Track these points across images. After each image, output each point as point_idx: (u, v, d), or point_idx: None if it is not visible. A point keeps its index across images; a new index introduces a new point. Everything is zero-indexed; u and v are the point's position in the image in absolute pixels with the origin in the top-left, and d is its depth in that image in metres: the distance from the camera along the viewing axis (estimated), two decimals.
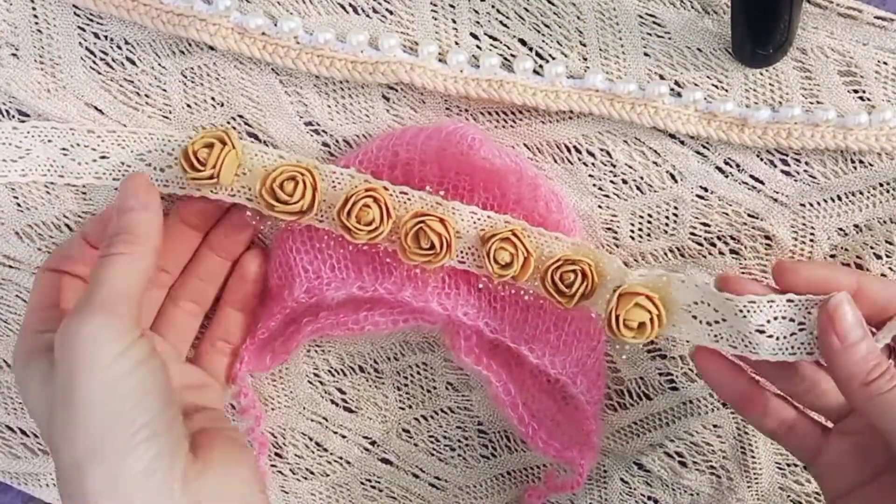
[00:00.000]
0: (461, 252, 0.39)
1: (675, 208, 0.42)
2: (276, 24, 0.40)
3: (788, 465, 0.46)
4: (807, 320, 0.36)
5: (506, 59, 0.41)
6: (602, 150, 0.41)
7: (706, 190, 0.42)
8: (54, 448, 0.34)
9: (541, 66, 0.40)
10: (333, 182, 0.39)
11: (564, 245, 0.39)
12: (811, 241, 0.42)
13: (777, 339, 0.36)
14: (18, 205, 0.44)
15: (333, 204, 0.38)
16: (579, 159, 0.42)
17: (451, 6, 0.41)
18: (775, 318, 0.35)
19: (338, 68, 0.40)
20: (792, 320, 0.35)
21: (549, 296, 0.38)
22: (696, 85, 0.40)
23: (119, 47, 0.42)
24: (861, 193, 0.41)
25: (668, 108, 0.40)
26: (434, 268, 0.39)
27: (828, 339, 0.35)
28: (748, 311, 0.35)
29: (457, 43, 0.41)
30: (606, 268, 0.38)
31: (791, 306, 0.35)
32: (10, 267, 0.45)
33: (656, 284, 0.38)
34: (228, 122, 0.42)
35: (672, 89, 0.40)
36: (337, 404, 0.47)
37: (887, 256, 0.42)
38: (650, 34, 0.40)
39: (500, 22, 0.41)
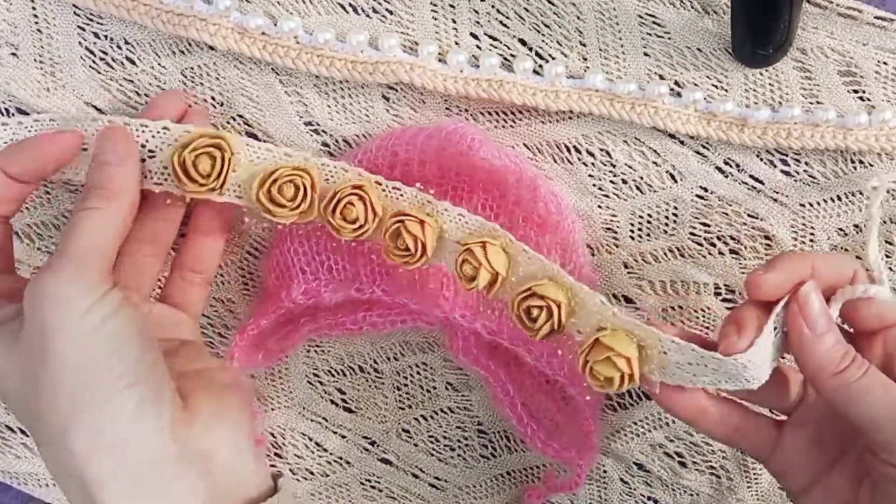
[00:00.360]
0: (447, 254, 0.38)
1: (675, 208, 0.42)
2: (276, 24, 0.40)
3: None
4: (777, 324, 0.35)
5: (506, 59, 0.41)
6: (602, 150, 0.41)
7: (706, 190, 0.42)
8: (33, 413, 0.33)
9: (541, 66, 0.40)
10: (326, 175, 0.38)
11: (545, 271, 0.37)
12: (811, 241, 0.42)
13: (769, 361, 0.36)
14: None
15: (323, 197, 0.38)
16: (579, 159, 0.42)
17: (451, 6, 0.41)
18: (765, 346, 0.35)
19: (338, 68, 0.40)
20: (770, 333, 0.35)
21: (517, 322, 0.37)
22: (695, 85, 0.40)
23: (119, 47, 0.42)
24: (861, 193, 0.41)
25: (667, 108, 0.40)
26: (413, 268, 0.38)
27: (798, 332, 0.35)
28: (750, 360, 0.34)
29: (457, 43, 0.41)
30: (586, 303, 0.36)
31: (771, 325, 0.35)
32: None
33: (645, 337, 0.36)
34: (228, 122, 0.42)
35: (672, 89, 0.40)
36: (336, 404, 0.47)
37: (887, 256, 0.42)
38: (650, 34, 0.40)
39: (500, 22, 0.41)
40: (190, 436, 0.33)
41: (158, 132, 0.38)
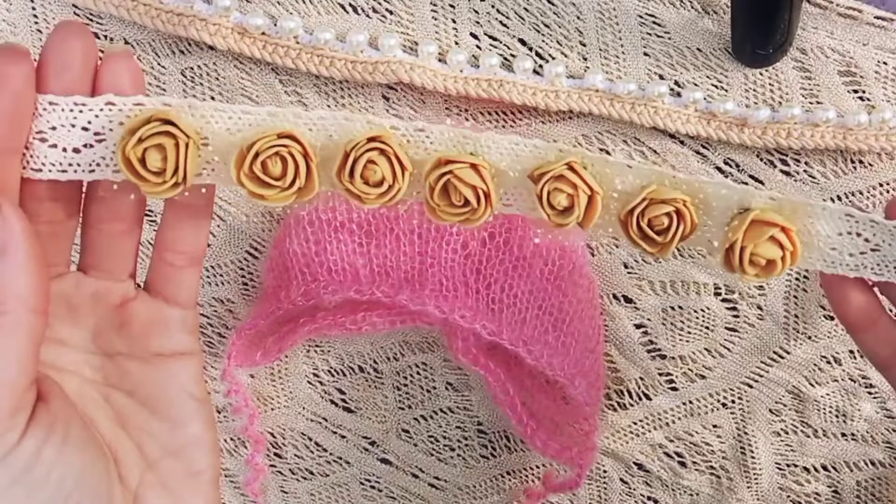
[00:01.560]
0: (506, 194, 0.31)
1: None
2: (276, 24, 0.40)
3: (788, 465, 0.46)
4: None
5: (506, 59, 0.41)
6: (602, 150, 0.41)
7: None
8: None
9: (541, 66, 0.40)
10: (327, 132, 0.30)
11: (642, 174, 0.31)
12: None
13: None
14: None
15: (332, 159, 0.30)
16: None
17: (451, 6, 0.41)
18: None
19: (338, 68, 0.40)
20: None
21: (635, 244, 0.31)
22: (696, 85, 0.40)
23: None
24: (861, 193, 0.41)
25: (667, 107, 0.40)
26: (477, 225, 0.31)
27: None
28: None
29: (456, 43, 0.41)
30: (712, 197, 0.31)
31: None
32: None
33: (793, 213, 0.31)
34: None
35: (672, 89, 0.40)
36: (336, 404, 0.47)
37: None
38: (650, 34, 0.40)
39: (500, 22, 0.41)
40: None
41: (101, 109, 0.29)
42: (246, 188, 0.30)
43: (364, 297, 0.40)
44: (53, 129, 0.30)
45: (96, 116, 0.29)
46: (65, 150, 0.30)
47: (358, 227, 0.40)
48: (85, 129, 0.30)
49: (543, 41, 0.41)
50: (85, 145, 0.30)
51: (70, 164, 0.30)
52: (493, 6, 0.41)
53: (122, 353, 0.32)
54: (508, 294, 0.40)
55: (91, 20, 0.42)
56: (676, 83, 0.40)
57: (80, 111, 0.29)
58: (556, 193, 0.30)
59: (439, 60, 0.41)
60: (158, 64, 0.42)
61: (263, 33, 0.40)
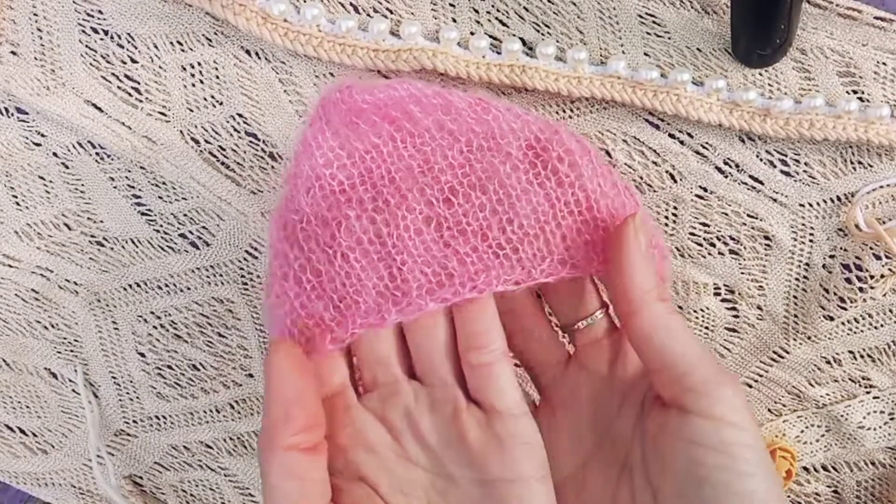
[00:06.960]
0: None
1: (675, 208, 0.42)
2: (298, 12, 0.39)
3: None
4: None
5: (526, 44, 0.40)
6: (602, 149, 0.41)
7: (706, 190, 0.42)
8: None
9: (563, 52, 0.40)
10: None
11: None
12: (810, 241, 0.42)
13: None
14: (17, 203, 0.44)
15: None
16: None
17: (452, 5, 0.41)
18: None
19: (360, 56, 0.40)
20: None
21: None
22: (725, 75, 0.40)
23: (121, 46, 0.42)
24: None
25: (690, 95, 0.40)
26: None
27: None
28: None
29: (458, 43, 0.41)
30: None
31: None
32: (10, 266, 0.45)
33: (775, 436, 0.45)
34: (227, 121, 0.42)
35: (693, 79, 0.40)
36: None
37: (887, 258, 0.42)
38: (650, 34, 0.40)
39: (500, 21, 0.41)
40: None
41: None
42: None
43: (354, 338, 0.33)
44: None
45: None
46: None
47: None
48: None
49: (543, 40, 0.41)
50: None
51: None
52: (493, 6, 0.41)
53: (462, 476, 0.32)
54: (511, 231, 0.33)
55: (91, 15, 0.42)
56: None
57: None
58: (782, 461, 0.45)
59: (460, 46, 0.40)
60: (159, 59, 0.42)
61: (286, 20, 0.40)
